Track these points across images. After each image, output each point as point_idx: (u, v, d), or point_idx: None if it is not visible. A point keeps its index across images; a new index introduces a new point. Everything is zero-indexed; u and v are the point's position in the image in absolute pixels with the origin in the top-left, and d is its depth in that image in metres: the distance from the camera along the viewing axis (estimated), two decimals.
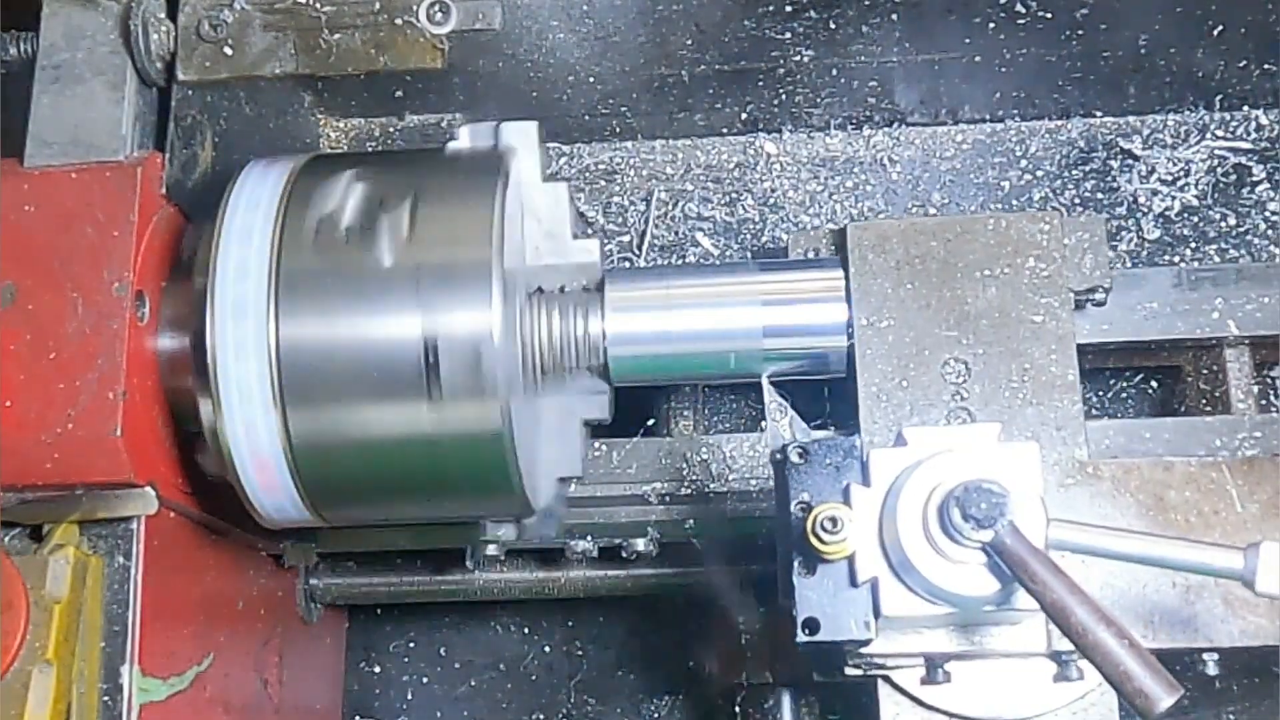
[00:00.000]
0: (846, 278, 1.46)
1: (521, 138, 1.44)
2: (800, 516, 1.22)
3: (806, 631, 1.22)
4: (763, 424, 1.90)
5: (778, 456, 1.28)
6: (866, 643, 1.24)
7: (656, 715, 2.09)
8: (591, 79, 1.74)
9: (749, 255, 1.81)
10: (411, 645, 2.15)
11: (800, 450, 1.26)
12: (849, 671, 1.34)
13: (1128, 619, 1.27)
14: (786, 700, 1.75)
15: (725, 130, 1.85)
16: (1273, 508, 1.30)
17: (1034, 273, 1.47)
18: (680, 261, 1.81)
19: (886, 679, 1.35)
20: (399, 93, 1.70)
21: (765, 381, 1.41)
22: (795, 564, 1.23)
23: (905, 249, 1.48)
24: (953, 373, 1.45)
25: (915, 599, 1.21)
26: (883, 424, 1.40)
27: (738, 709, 1.78)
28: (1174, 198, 1.77)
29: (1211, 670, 1.31)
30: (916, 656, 1.31)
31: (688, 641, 2.04)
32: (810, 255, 1.53)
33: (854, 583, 1.22)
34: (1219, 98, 1.77)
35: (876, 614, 1.22)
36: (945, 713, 1.33)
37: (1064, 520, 1.17)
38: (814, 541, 1.19)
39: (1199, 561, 1.14)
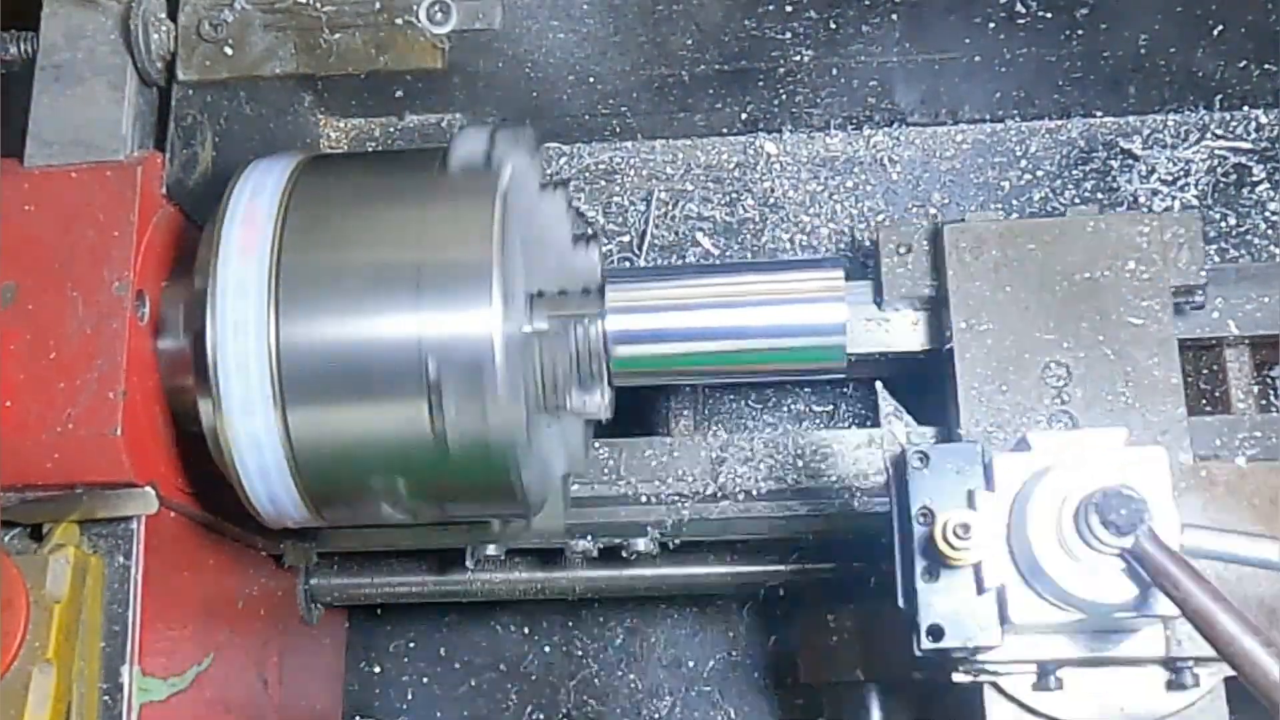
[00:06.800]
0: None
1: (516, 144, 1.42)
2: (923, 522, 1.21)
3: (931, 638, 1.21)
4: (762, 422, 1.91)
5: (897, 460, 1.27)
6: (991, 649, 1.22)
7: (656, 715, 2.09)
8: (591, 79, 1.74)
9: (749, 255, 1.81)
10: (411, 645, 2.14)
11: (921, 455, 1.24)
12: (956, 678, 1.33)
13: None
14: (875, 699, 1.73)
15: (725, 130, 1.85)
16: None
17: (1134, 275, 1.45)
18: (680, 261, 1.81)
19: (995, 685, 1.33)
20: (399, 93, 1.70)
21: (879, 386, 1.42)
22: (919, 570, 1.22)
23: (1003, 251, 1.47)
24: (1054, 376, 1.44)
25: (1044, 605, 1.20)
26: (983, 427, 1.40)
27: (826, 707, 1.76)
28: (1174, 198, 1.77)
29: None
30: (1032, 663, 1.29)
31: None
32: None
33: (980, 589, 1.21)
34: (1219, 98, 1.77)
35: (1003, 620, 1.20)
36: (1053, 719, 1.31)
37: (1198, 525, 1.16)
38: (944, 548, 1.17)
39: None
